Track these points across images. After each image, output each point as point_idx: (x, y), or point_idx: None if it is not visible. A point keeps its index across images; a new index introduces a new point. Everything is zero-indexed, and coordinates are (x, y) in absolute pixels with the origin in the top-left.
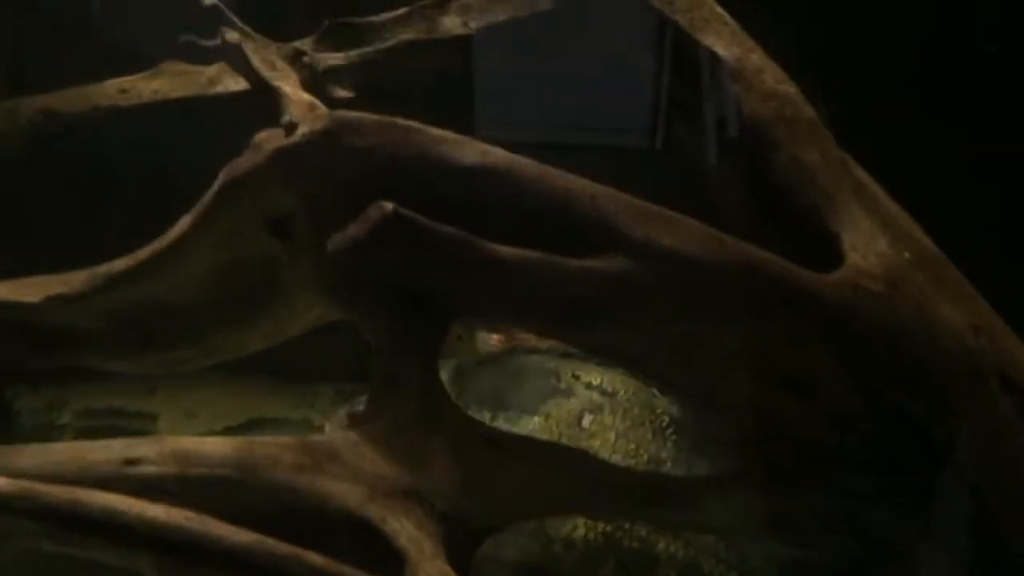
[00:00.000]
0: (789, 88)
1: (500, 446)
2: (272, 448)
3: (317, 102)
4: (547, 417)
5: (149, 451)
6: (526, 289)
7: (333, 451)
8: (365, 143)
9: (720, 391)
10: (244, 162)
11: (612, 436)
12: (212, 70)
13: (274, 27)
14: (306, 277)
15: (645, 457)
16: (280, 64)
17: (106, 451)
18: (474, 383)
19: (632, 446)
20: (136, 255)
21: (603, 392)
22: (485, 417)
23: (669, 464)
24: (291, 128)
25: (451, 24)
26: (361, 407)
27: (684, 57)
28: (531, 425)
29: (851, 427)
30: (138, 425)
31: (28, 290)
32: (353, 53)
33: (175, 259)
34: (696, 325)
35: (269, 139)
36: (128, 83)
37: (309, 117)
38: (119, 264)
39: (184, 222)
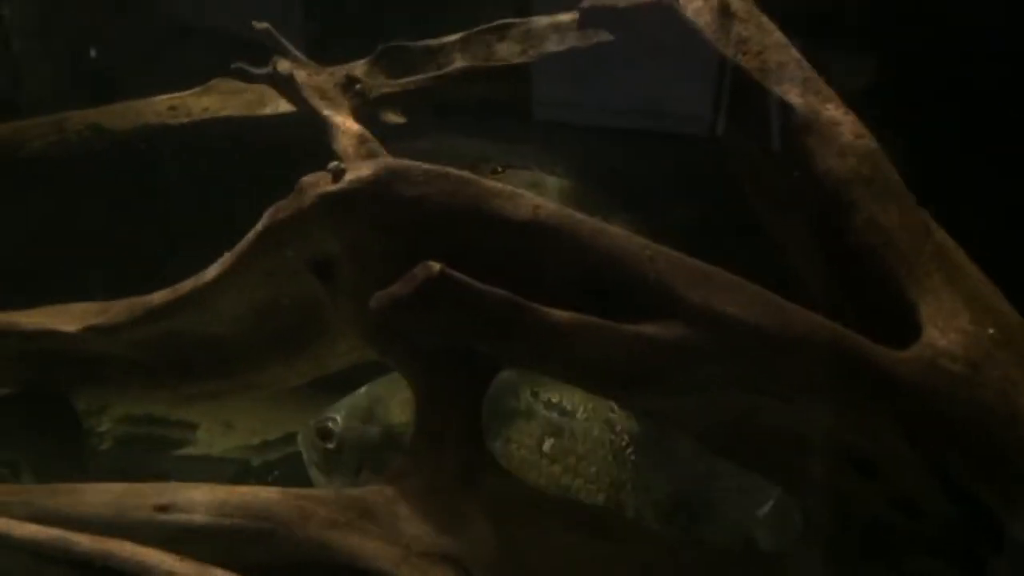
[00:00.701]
0: (869, 143)
1: (542, 510)
2: (306, 501)
3: (367, 133)
4: (508, 441)
5: (181, 498)
6: (577, 353)
7: (368, 507)
8: (415, 192)
9: (781, 466)
10: (288, 205)
11: (573, 460)
12: (263, 88)
13: (325, 49)
14: (348, 320)
15: (607, 481)
16: (331, 91)
17: (138, 495)
18: None
19: (593, 469)
20: (176, 289)
21: (562, 412)
22: None
23: (629, 487)
24: (338, 174)
25: (509, 51)
26: (330, 423)
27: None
28: (492, 449)
29: (919, 510)
30: (177, 434)
31: (67, 318)
32: (406, 80)
33: (215, 296)
34: (754, 397)
35: (314, 183)
36: (178, 100)
37: (357, 162)
38: (159, 297)
39: (226, 260)
